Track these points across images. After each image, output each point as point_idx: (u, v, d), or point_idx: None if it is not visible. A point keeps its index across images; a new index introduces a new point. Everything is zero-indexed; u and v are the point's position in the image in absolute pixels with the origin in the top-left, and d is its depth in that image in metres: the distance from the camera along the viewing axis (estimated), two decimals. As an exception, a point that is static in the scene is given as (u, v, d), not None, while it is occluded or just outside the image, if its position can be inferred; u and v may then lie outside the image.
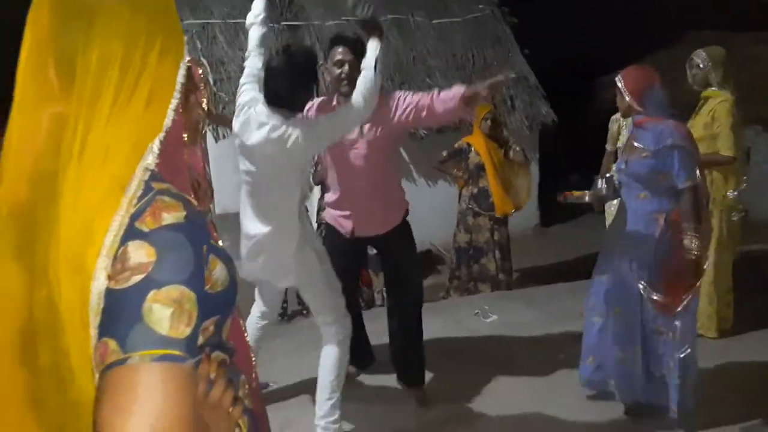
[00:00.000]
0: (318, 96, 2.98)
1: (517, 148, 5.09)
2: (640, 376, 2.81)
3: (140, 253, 0.74)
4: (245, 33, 6.37)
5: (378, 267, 4.73)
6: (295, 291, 3.93)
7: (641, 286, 2.72)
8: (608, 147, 4.78)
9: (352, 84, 2.63)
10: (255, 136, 2.46)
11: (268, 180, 2.54)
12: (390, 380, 3.25)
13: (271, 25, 6.28)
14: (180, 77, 0.85)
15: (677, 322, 2.69)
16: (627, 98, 2.73)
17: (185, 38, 0.89)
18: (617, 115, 4.69)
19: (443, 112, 2.67)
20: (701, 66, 3.65)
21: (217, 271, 0.85)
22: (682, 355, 2.68)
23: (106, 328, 0.73)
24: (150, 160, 0.80)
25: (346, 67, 2.74)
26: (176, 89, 0.84)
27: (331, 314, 2.71)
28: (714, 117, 3.54)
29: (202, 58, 6.06)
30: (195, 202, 0.81)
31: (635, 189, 2.77)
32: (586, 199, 3.30)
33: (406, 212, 3.07)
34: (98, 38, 0.78)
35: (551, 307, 4.36)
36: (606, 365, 2.91)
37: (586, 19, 10.20)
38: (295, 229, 2.58)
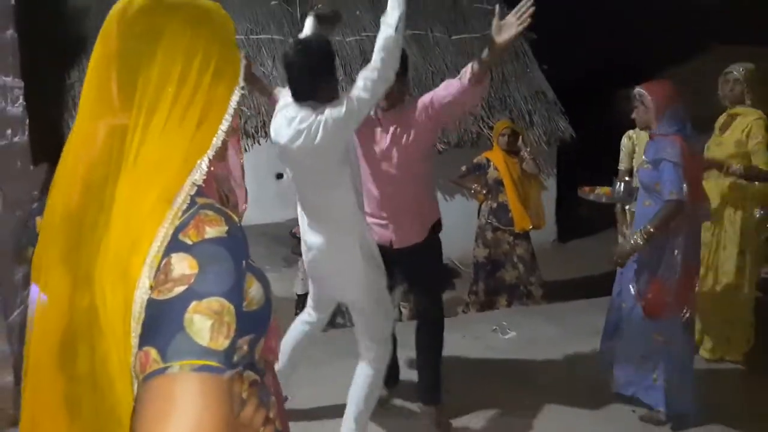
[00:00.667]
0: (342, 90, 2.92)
1: (529, 158, 5.02)
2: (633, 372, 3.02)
3: (183, 265, 0.75)
4: (267, 49, 6.54)
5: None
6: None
7: (632, 289, 2.91)
8: (621, 167, 4.70)
9: (391, 99, 2.63)
10: (286, 133, 2.39)
11: (314, 180, 2.45)
12: (409, 399, 3.22)
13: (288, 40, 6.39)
14: (233, 102, 0.87)
15: (667, 328, 2.86)
16: (651, 113, 2.82)
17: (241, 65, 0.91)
18: (631, 132, 4.63)
19: (462, 88, 2.52)
20: (739, 81, 3.51)
21: (253, 290, 0.86)
22: (670, 360, 2.88)
23: (147, 338, 0.74)
24: (198, 175, 0.82)
25: None
26: (228, 112, 0.87)
27: (376, 338, 2.63)
28: (749, 134, 3.43)
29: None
30: (235, 218, 0.83)
31: (643, 196, 2.98)
32: (603, 200, 3.83)
33: (437, 223, 2.97)
34: (161, 55, 0.82)
35: (571, 323, 4.33)
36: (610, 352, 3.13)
37: (605, 36, 10.17)
38: (354, 237, 2.48)
